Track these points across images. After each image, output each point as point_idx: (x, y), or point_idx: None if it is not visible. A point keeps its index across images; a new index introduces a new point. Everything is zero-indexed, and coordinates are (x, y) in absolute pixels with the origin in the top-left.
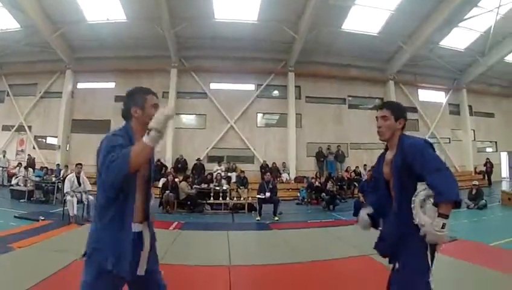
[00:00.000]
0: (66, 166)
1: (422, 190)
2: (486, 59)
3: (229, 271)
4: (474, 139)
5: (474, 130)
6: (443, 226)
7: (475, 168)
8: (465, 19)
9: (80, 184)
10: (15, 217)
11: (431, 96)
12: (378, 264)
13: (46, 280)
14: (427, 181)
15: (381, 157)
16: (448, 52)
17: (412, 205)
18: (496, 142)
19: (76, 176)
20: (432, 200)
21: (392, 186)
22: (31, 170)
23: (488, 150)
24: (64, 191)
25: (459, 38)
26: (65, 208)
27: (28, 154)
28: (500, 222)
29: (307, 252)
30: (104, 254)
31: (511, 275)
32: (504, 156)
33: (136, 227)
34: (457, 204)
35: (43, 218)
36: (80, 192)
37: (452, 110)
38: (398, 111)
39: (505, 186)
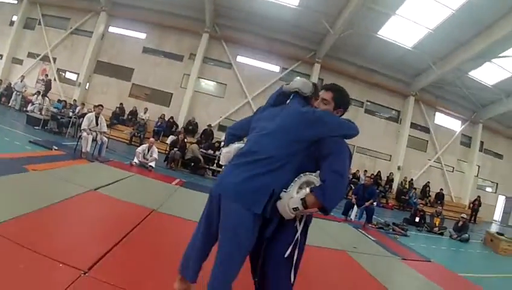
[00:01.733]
0: (83, 104)
1: (309, 175)
2: (510, 100)
3: None
4: (477, 175)
5: (479, 166)
6: (295, 209)
7: (470, 203)
8: (500, 56)
9: (97, 124)
10: (30, 141)
11: (447, 121)
12: (353, 261)
13: (56, 205)
14: (321, 171)
15: None
16: (475, 84)
17: (296, 179)
18: (497, 183)
19: (95, 116)
20: (307, 189)
21: None
22: (47, 99)
23: (488, 189)
24: (81, 128)
25: (489, 73)
26: (79, 143)
27: (48, 78)
28: (476, 258)
29: None
30: None
31: None
32: (501, 199)
33: None
34: (324, 210)
35: (56, 148)
36: (96, 131)
37: (463, 141)
38: (342, 100)
39: (494, 228)
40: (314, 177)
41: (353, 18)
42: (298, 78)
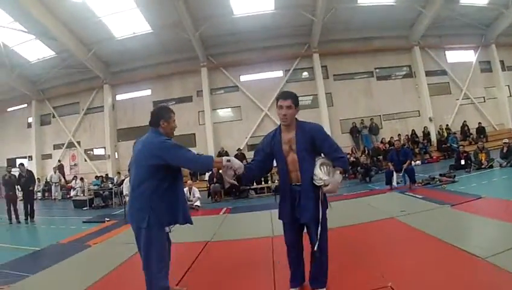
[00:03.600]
0: (118, 173)
1: (319, 158)
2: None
3: (271, 241)
4: (510, 95)
5: (509, 86)
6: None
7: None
8: None
9: None
10: (83, 222)
11: (460, 56)
12: (402, 225)
13: (122, 265)
14: (326, 154)
15: (274, 137)
16: (471, 9)
17: (316, 163)
18: None
19: None
20: (325, 167)
21: (292, 159)
22: (86, 181)
23: None
24: (124, 193)
25: None
26: (126, 208)
27: (59, 164)
28: None
29: (341, 220)
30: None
31: None
32: None
33: None
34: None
35: (108, 219)
36: None
37: (483, 68)
38: (297, 100)
39: None
40: (323, 158)
41: None
42: None
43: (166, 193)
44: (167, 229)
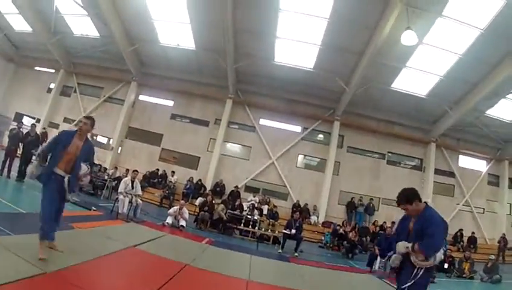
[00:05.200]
0: (116, 167)
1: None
2: None
3: (246, 284)
4: (510, 214)
5: (511, 204)
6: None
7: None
8: None
9: (133, 187)
10: (71, 201)
11: (471, 163)
12: None
13: (102, 258)
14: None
15: (406, 219)
16: (494, 122)
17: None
18: None
19: (131, 180)
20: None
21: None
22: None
23: None
24: (119, 191)
25: (506, 110)
26: (115, 204)
27: (43, 131)
28: None
29: (316, 286)
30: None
31: None
32: None
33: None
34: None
35: (94, 208)
36: (131, 194)
37: (491, 181)
38: (408, 199)
39: None
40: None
41: (366, 74)
42: None
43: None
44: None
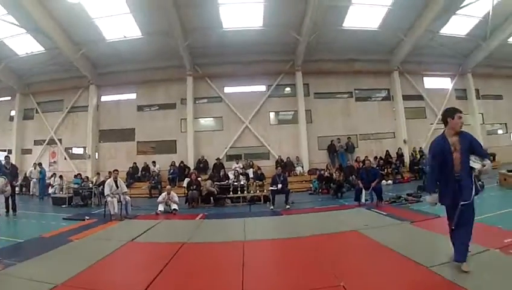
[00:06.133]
0: (98, 173)
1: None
2: (489, 43)
3: (243, 245)
4: (483, 123)
5: (482, 114)
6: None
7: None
8: (462, 7)
9: (117, 187)
10: (63, 218)
11: (437, 83)
12: (363, 237)
13: (103, 260)
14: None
15: (444, 141)
16: (449, 40)
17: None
18: (505, 123)
19: (114, 180)
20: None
21: (456, 156)
22: (65, 179)
23: (499, 132)
24: (105, 194)
25: (459, 25)
26: (106, 208)
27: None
28: (491, 199)
29: (308, 230)
30: None
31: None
32: None
33: None
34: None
35: (88, 217)
36: (118, 194)
37: (459, 96)
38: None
39: None
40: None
41: (316, 20)
42: None
43: None
44: None
